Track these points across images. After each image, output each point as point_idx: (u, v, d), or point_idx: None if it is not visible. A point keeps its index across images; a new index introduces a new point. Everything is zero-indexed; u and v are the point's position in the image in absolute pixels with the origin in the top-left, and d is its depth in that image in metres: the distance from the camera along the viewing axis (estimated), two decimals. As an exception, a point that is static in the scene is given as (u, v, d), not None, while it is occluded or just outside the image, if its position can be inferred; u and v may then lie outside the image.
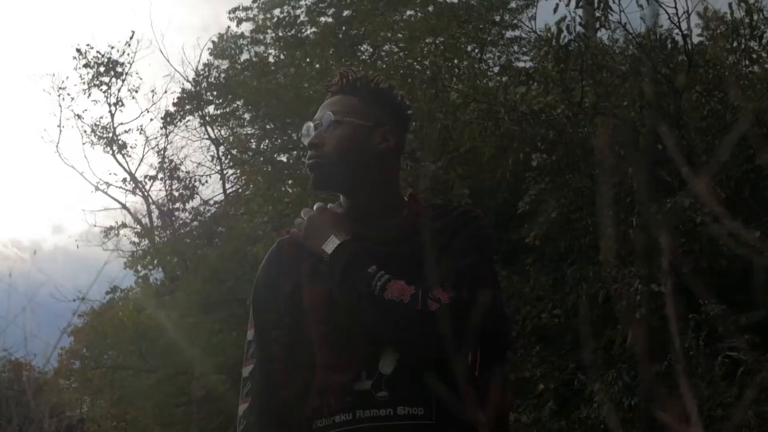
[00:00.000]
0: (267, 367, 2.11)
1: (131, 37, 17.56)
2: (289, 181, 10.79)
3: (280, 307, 2.12)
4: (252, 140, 14.56)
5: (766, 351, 5.53)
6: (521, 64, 10.07)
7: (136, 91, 17.94)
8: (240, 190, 15.71)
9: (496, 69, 10.49)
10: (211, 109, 16.24)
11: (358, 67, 12.37)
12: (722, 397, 5.67)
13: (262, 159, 12.52)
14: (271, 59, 14.61)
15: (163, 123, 17.20)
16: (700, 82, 7.14)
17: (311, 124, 2.20)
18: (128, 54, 17.61)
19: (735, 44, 7.11)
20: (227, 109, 15.54)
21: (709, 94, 7.14)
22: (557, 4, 6.91)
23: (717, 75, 7.14)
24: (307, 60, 12.96)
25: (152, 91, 19.22)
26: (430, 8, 11.30)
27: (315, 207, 2.19)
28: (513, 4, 12.19)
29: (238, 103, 14.93)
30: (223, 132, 16.67)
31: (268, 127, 13.26)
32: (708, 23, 7.15)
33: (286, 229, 2.26)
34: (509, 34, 11.95)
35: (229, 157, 16.30)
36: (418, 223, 2.10)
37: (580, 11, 7.35)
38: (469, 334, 1.95)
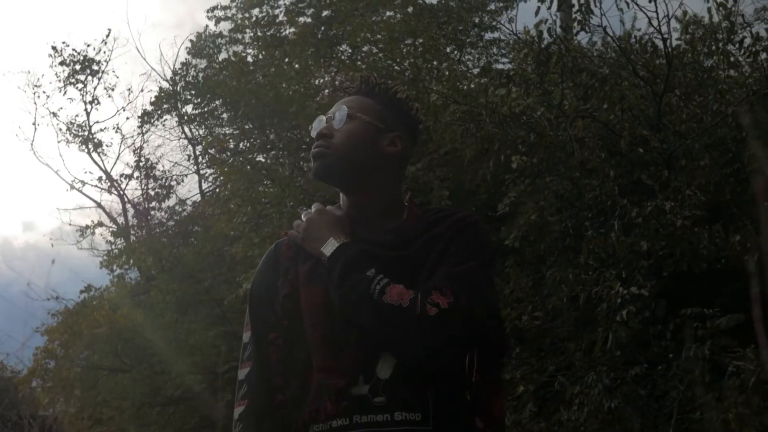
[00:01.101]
0: (263, 370, 2.09)
1: (107, 35, 17.51)
2: (267, 182, 10.73)
3: (277, 310, 2.10)
4: (230, 140, 14.50)
5: (746, 354, 5.57)
6: (500, 66, 10.09)
7: (113, 90, 17.92)
8: (217, 190, 15.64)
9: (476, 71, 10.50)
10: (188, 108, 16.18)
11: (337, 67, 12.38)
12: (701, 400, 5.70)
13: (240, 159, 12.45)
14: (249, 59, 14.53)
15: (139, 122, 17.15)
16: (680, 85, 7.18)
17: (323, 117, 2.20)
18: (104, 52, 17.57)
19: (713, 48, 7.15)
20: (205, 109, 15.46)
21: (689, 97, 7.18)
22: (539, 7, 6.91)
23: (696, 79, 7.18)
24: (287, 60, 12.92)
25: (128, 89, 19.19)
26: (410, 9, 11.29)
27: (313, 208, 2.17)
28: (492, 6, 12.22)
29: (217, 102, 14.86)
30: (200, 131, 16.61)
31: (246, 127, 13.18)
32: (686, 27, 7.17)
33: (285, 230, 2.24)
34: (488, 36, 11.99)
35: (206, 156, 16.22)
36: (417, 227, 2.10)
37: (559, 13, 7.38)
38: (467, 339, 1.95)
